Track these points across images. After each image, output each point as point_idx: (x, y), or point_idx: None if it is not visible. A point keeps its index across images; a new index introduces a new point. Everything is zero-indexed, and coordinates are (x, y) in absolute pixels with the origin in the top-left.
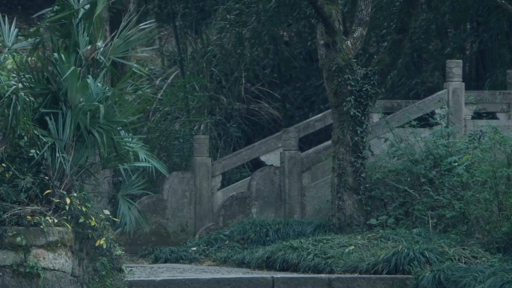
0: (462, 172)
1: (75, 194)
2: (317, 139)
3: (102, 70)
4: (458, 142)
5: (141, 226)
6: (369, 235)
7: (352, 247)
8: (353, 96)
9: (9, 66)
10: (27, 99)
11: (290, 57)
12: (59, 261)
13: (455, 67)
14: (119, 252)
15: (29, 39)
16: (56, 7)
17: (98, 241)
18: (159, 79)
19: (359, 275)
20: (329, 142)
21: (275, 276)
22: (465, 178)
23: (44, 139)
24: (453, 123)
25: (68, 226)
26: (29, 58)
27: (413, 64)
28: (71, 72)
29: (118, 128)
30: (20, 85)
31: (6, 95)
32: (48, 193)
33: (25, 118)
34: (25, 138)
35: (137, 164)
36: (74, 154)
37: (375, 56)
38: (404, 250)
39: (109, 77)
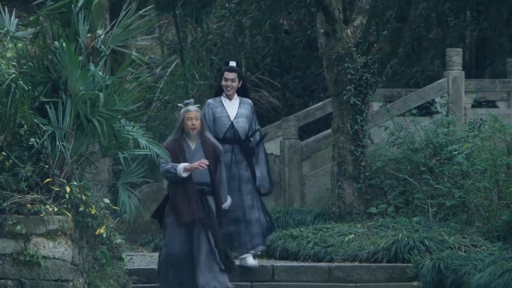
0: (462, 160)
1: (75, 183)
2: (317, 127)
3: (102, 58)
4: (458, 131)
5: (141, 214)
6: (369, 224)
7: (352, 235)
8: (353, 85)
9: (9, 55)
10: (26, 87)
11: (290, 46)
12: (59, 249)
13: (455, 55)
14: (119, 240)
15: (29, 29)
16: None
17: (98, 229)
18: (159, 67)
19: (359, 264)
20: (329, 130)
21: (275, 264)
22: (465, 166)
23: (44, 128)
24: (453, 112)
25: (68, 214)
26: (29, 47)
27: (413, 53)
28: (71, 61)
29: (119, 117)
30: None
31: (6, 83)
32: (48, 182)
33: (24, 107)
34: (25, 126)
35: (137, 152)
36: (74, 143)
37: (375, 45)
38: (404, 238)
39: (109, 65)
